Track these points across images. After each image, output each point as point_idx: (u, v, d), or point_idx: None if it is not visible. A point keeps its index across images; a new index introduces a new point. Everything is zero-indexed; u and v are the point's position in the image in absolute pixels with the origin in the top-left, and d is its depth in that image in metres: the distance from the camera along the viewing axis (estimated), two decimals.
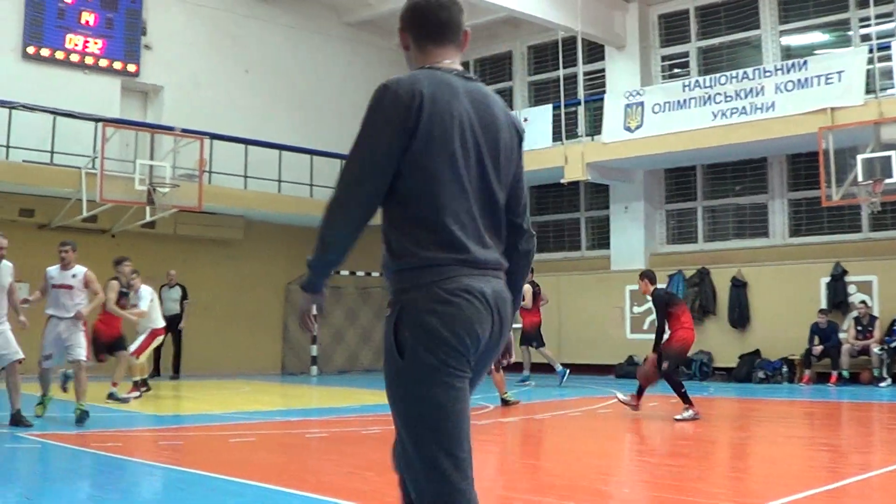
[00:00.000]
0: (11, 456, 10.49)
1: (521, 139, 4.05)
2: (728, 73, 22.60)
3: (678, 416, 14.10)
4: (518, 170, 4.02)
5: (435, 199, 3.69)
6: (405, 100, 3.68)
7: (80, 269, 13.49)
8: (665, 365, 14.53)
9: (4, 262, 12.55)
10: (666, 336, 14.81)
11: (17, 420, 12.16)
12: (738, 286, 23.38)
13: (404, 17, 4.03)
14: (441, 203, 3.69)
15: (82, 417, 12.69)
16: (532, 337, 21.53)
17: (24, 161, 21.49)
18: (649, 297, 15.47)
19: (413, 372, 3.66)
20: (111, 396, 16.41)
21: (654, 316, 23.91)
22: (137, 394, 17.19)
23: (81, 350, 13.30)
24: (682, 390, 14.34)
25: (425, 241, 3.69)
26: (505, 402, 16.25)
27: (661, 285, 16.71)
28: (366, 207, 3.74)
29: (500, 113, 3.94)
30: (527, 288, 21.11)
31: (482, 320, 3.70)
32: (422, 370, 3.64)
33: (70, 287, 13.32)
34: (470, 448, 3.70)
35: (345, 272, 26.67)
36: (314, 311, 3.99)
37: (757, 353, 22.77)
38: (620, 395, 15.26)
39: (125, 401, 16.41)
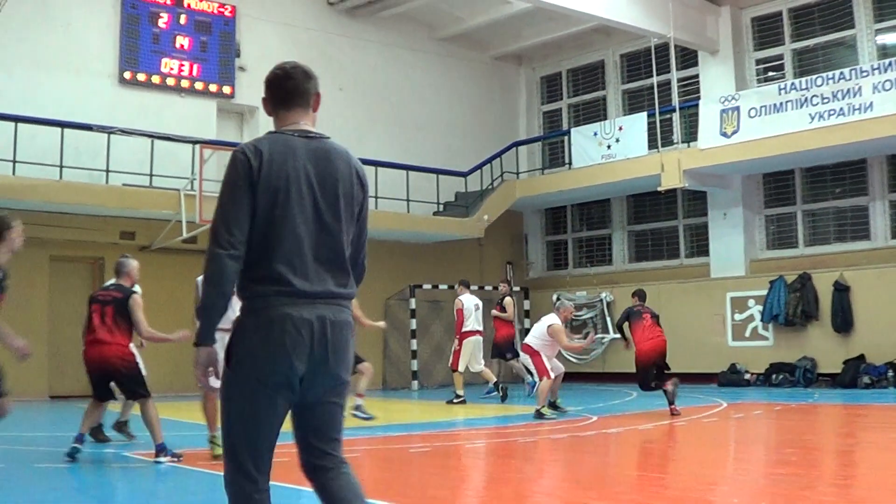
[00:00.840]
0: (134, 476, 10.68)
1: (363, 185, 4.71)
2: (824, 75, 22.23)
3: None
4: (362, 212, 4.73)
5: (267, 244, 4.40)
6: (248, 161, 4.40)
7: None
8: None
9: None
10: None
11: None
12: (841, 290, 22.94)
13: (264, 88, 4.73)
14: (271, 246, 4.39)
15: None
16: (505, 349, 21.86)
17: (123, 185, 21.85)
18: None
19: (234, 384, 4.43)
20: (359, 410, 15.39)
21: (755, 323, 24.07)
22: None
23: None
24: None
25: (258, 278, 4.41)
26: (548, 411, 16.30)
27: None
28: (236, 250, 4.36)
29: (343, 166, 4.61)
30: (508, 301, 21.86)
31: (299, 343, 4.35)
32: (241, 384, 4.40)
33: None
34: (271, 458, 4.52)
35: (443, 286, 26.78)
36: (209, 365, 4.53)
37: (861, 357, 22.32)
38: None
39: (370, 417, 15.50)
